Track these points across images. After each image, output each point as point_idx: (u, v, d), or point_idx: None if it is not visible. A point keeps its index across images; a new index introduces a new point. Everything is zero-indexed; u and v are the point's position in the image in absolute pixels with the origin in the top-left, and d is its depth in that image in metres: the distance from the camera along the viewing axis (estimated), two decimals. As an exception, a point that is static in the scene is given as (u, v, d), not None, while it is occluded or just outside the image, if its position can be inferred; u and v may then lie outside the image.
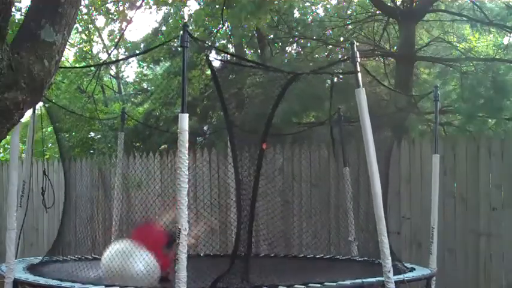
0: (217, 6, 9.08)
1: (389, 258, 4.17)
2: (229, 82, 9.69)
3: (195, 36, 4.18)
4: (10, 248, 4.55)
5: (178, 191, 3.79)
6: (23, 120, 3.18)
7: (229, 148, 6.55)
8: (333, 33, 10.87)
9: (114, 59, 11.96)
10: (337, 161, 7.05)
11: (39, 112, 5.71)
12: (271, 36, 11.39)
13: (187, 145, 3.82)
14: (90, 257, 6.64)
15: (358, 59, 4.34)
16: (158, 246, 5.05)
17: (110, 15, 9.59)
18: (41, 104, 5.56)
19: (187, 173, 3.80)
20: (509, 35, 10.49)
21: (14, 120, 2.65)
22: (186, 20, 10.06)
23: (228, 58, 11.06)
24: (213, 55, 10.15)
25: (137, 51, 12.34)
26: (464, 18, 9.64)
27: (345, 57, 4.93)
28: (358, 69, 4.32)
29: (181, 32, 4.02)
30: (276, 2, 9.74)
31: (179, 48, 11.97)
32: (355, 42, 4.48)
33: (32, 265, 5.55)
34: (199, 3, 11.13)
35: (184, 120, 3.84)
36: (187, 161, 3.82)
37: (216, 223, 6.24)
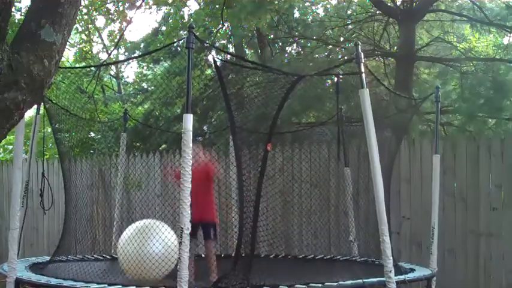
0: (217, 6, 9.08)
1: (391, 258, 4.17)
2: (229, 82, 9.67)
3: (197, 36, 4.19)
4: (13, 248, 4.55)
5: (181, 190, 3.79)
6: (25, 119, 3.18)
7: (231, 147, 6.58)
8: (333, 33, 10.87)
9: (114, 59, 11.97)
10: (339, 162, 7.05)
11: (41, 112, 5.72)
12: (271, 36, 11.39)
13: (191, 145, 3.83)
14: (91, 257, 6.66)
15: (363, 60, 4.34)
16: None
17: (110, 15, 9.59)
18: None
19: (190, 173, 3.81)
20: (509, 35, 10.50)
21: (14, 121, 2.64)
22: (186, 20, 10.06)
23: (229, 58, 11.04)
24: (215, 56, 10.13)
25: (138, 52, 12.37)
26: (464, 18, 9.63)
27: (350, 58, 4.92)
28: (363, 70, 4.33)
29: (186, 33, 4.02)
30: (276, 2, 9.74)
31: (179, 48, 11.99)
32: (359, 43, 4.48)
33: (34, 265, 5.56)
34: (199, 3, 11.14)
35: (189, 120, 3.85)
36: (191, 161, 3.83)
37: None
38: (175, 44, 10.32)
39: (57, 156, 11.06)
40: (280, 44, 11.80)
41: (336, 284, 4.30)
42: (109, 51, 11.69)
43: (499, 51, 9.89)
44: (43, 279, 4.65)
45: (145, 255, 4.80)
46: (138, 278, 4.87)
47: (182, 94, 10.15)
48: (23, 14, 7.68)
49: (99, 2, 9.31)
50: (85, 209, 7.88)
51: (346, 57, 10.34)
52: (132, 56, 12.74)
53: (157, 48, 8.82)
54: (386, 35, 10.49)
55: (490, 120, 9.28)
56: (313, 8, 11.85)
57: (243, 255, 4.35)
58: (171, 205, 6.56)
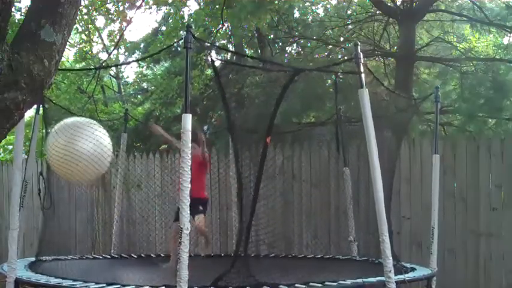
0: (217, 6, 9.08)
1: (391, 258, 4.17)
2: (229, 82, 9.70)
3: (195, 36, 4.17)
4: (12, 248, 4.55)
5: (181, 190, 3.80)
6: (25, 119, 3.17)
7: (231, 147, 6.59)
8: (333, 33, 10.86)
9: (114, 59, 11.98)
10: (338, 161, 7.06)
11: (41, 112, 5.72)
12: (271, 36, 11.39)
13: (190, 145, 3.83)
14: (90, 257, 6.67)
15: (362, 60, 4.35)
16: None
17: (110, 15, 9.59)
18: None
19: (190, 173, 3.81)
20: (509, 35, 10.49)
21: (14, 120, 2.64)
22: (186, 20, 10.06)
23: (229, 57, 11.05)
24: (213, 55, 10.14)
25: (137, 52, 12.37)
26: (464, 18, 9.63)
27: (349, 58, 4.92)
28: (362, 69, 4.33)
29: (185, 33, 4.02)
30: (276, 2, 9.74)
31: (179, 48, 11.98)
32: (358, 43, 4.48)
33: (33, 264, 5.56)
34: (199, 3, 11.14)
35: (188, 120, 3.85)
36: (190, 161, 3.83)
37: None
38: (175, 44, 10.30)
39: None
40: (280, 44, 11.80)
41: (336, 283, 4.30)
42: (109, 51, 11.69)
43: (499, 51, 9.88)
44: (43, 279, 4.65)
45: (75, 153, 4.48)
46: (68, 176, 4.69)
47: (182, 94, 10.15)
48: (23, 14, 7.67)
49: (99, 2, 9.31)
50: (84, 209, 7.88)
51: (346, 57, 10.34)
52: (134, 58, 12.76)
53: (157, 51, 8.77)
54: (386, 35, 10.48)
55: (490, 120, 9.27)
56: (313, 8, 11.84)
57: (242, 254, 4.35)
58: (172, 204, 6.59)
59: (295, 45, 11.92)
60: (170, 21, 11.14)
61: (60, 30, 2.69)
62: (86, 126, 4.67)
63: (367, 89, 4.26)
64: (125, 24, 9.76)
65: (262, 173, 4.52)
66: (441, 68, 10.24)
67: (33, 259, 5.99)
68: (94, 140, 4.57)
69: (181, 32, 9.94)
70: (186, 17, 10.37)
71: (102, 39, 12.85)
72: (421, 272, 5.20)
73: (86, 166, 4.50)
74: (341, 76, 7.47)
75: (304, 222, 7.43)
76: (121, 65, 14.72)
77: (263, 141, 4.59)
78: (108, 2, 9.42)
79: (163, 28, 12.11)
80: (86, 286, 4.27)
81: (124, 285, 4.26)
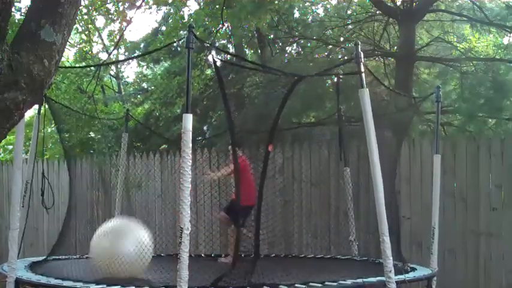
0: (217, 6, 9.08)
1: (391, 258, 4.16)
2: (229, 82, 9.70)
3: (197, 36, 4.18)
4: (13, 248, 4.55)
5: (181, 190, 3.79)
6: (25, 119, 3.18)
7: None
8: (333, 33, 10.86)
9: (114, 59, 11.96)
10: (338, 161, 7.05)
11: (42, 112, 5.72)
12: (271, 36, 11.38)
13: (190, 145, 3.83)
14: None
15: (363, 60, 4.35)
16: None
17: (110, 15, 9.58)
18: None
19: (190, 173, 3.81)
20: (509, 35, 10.49)
21: (14, 120, 2.65)
22: (186, 20, 10.06)
23: (229, 58, 11.03)
24: (214, 56, 10.12)
25: (138, 52, 12.36)
26: (464, 18, 9.63)
27: (350, 58, 4.92)
28: (362, 69, 4.33)
29: (186, 33, 4.02)
30: (276, 2, 9.74)
31: (179, 48, 11.94)
32: (359, 43, 4.48)
33: (34, 265, 5.56)
34: (199, 3, 11.13)
35: (188, 120, 3.85)
36: (190, 161, 3.83)
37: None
38: (175, 44, 10.29)
39: (57, 156, 11.08)
40: (280, 44, 11.79)
41: (336, 283, 4.30)
42: (109, 51, 11.68)
43: (499, 51, 9.87)
44: (43, 279, 4.65)
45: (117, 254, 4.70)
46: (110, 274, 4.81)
47: (182, 94, 10.15)
48: (23, 14, 7.67)
49: (99, 2, 9.31)
50: (85, 209, 7.87)
51: (346, 57, 10.33)
52: (132, 56, 12.74)
53: (157, 48, 8.78)
54: (386, 35, 10.47)
55: (490, 120, 9.27)
56: (313, 8, 11.84)
57: (243, 255, 4.35)
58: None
59: (295, 45, 11.92)
60: (170, 21, 11.14)
61: (60, 30, 2.70)
62: (131, 229, 5.05)
63: (367, 89, 4.26)
64: (125, 24, 9.76)
65: (265, 177, 4.52)
66: (441, 68, 10.24)
67: (34, 259, 6.00)
68: (137, 242, 4.87)
69: (181, 32, 9.94)
70: (186, 17, 10.37)
71: (102, 39, 12.85)
72: (421, 272, 5.21)
73: (129, 267, 4.74)
74: (341, 76, 7.47)
75: (304, 222, 7.42)
76: (122, 61, 14.71)
77: (264, 145, 4.60)
78: (108, 2, 9.41)
79: (163, 28, 12.11)
80: (87, 286, 4.27)
81: (125, 285, 4.26)
